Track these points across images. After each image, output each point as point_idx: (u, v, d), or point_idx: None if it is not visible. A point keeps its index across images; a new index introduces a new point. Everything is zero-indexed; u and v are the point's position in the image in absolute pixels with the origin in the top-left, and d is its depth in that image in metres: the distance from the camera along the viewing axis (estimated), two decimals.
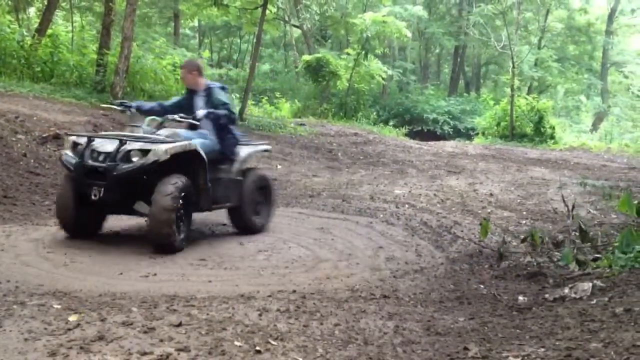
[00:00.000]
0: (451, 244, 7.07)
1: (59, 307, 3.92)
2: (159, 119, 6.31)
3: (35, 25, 18.67)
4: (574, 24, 35.00)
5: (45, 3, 19.14)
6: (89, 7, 27.59)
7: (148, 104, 6.87)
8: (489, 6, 28.93)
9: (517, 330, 3.98)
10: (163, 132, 6.19)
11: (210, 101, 6.59)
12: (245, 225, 6.88)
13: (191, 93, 6.80)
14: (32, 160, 8.99)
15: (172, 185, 5.71)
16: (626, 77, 37.09)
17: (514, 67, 24.44)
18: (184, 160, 5.99)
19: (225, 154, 6.66)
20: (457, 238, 7.31)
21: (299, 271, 5.60)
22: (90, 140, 5.92)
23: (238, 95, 23.22)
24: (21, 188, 8.07)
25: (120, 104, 6.68)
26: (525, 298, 4.80)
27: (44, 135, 9.85)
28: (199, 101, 6.66)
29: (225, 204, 6.72)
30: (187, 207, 5.91)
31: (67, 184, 5.96)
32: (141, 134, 6.13)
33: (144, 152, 5.75)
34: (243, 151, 6.89)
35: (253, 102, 23.84)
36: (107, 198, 5.72)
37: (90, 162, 5.76)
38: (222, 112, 6.51)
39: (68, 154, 5.95)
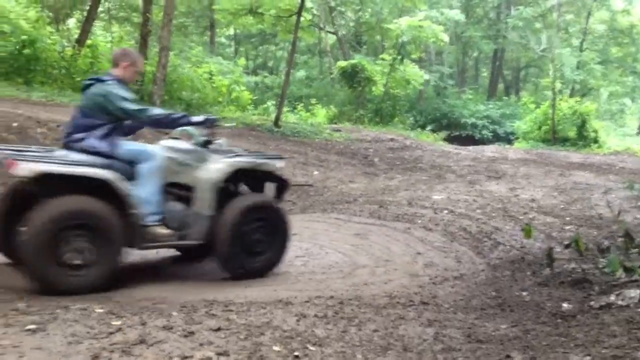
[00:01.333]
0: (492, 250, 6.94)
1: (101, 311, 3.95)
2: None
3: (75, 36, 19.07)
4: (616, 26, 34.29)
5: (85, 14, 19.55)
6: (127, 18, 28.07)
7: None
8: (527, 9, 28.57)
9: (562, 338, 3.87)
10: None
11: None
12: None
13: None
14: None
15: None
16: None
17: (554, 70, 24.04)
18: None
19: None
20: (498, 244, 7.18)
21: (336, 277, 5.56)
22: None
23: (273, 103, 23.35)
24: None
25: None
26: (570, 305, 4.67)
27: None
28: None
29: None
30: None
31: None
32: None
33: None
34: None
35: (289, 109, 23.91)
36: None
37: None
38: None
39: None
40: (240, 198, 5.48)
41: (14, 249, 4.85)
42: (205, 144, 5.43)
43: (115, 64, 5.34)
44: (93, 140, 4.98)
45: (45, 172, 4.57)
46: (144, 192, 4.99)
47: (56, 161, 4.73)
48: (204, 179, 5.27)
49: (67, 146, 5.03)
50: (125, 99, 5.09)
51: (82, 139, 4.98)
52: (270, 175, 5.77)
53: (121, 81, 5.27)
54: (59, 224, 4.50)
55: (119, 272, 4.85)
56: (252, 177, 5.69)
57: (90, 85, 5.21)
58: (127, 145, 5.15)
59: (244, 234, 5.30)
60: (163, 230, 5.08)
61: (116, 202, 4.80)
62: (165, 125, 5.44)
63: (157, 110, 5.42)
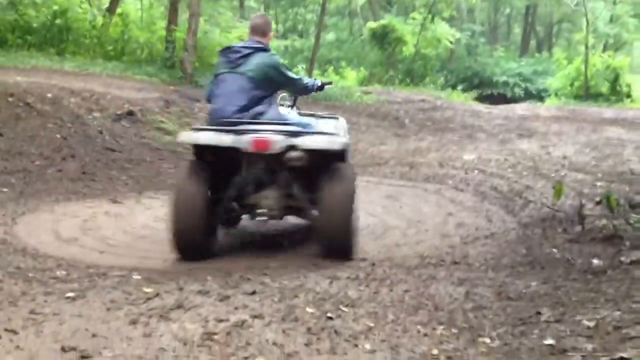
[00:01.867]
0: (523, 209, 6.94)
1: (139, 277, 4.09)
2: None
3: (106, 5, 19.16)
4: None
5: None
6: None
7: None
8: None
9: (592, 294, 3.90)
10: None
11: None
12: None
13: None
14: (107, 137, 9.31)
15: None
16: None
17: (588, 24, 23.45)
18: None
19: None
20: (529, 202, 7.16)
21: (368, 239, 5.63)
22: None
23: (304, 66, 23.25)
24: (98, 164, 8.38)
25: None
26: (600, 261, 4.68)
27: (118, 112, 10.17)
28: None
29: None
30: None
31: None
32: None
33: None
34: None
35: (319, 72, 23.80)
36: None
37: None
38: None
39: None
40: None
41: None
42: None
43: (263, 32, 5.20)
44: (275, 111, 5.06)
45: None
46: None
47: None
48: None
49: (237, 120, 4.85)
50: (290, 70, 5.25)
51: (263, 112, 4.93)
52: None
53: None
54: None
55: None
56: None
57: (249, 54, 5.02)
58: (291, 115, 5.36)
59: None
60: None
61: None
62: (309, 91, 5.60)
63: (305, 79, 5.50)
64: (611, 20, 29.72)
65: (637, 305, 3.48)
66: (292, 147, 4.59)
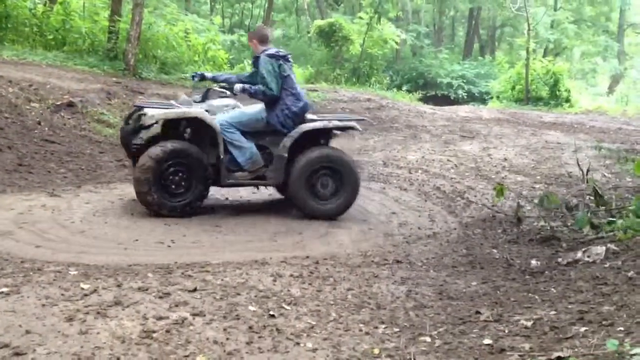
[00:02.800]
0: (464, 209, 7.07)
1: (75, 273, 3.98)
2: (217, 88, 6.41)
3: None
4: None
5: None
6: None
7: (225, 75, 6.72)
8: None
9: (530, 294, 3.99)
10: (214, 102, 6.31)
11: (258, 72, 6.32)
12: (299, 208, 6.29)
13: (256, 62, 6.52)
14: (46, 129, 9.03)
15: (158, 147, 5.80)
16: None
17: (529, 29, 24.05)
18: (195, 130, 6.06)
19: (272, 126, 6.24)
20: (470, 203, 7.31)
21: (312, 237, 5.64)
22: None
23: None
24: (36, 156, 8.11)
25: (195, 74, 6.68)
26: (538, 262, 4.81)
27: (58, 103, 9.88)
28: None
29: (261, 180, 6.33)
30: (189, 174, 5.90)
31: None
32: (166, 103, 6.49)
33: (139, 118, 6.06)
34: (302, 127, 6.24)
35: None
36: None
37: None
38: (257, 88, 6.18)
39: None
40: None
41: None
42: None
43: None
44: None
45: None
46: None
47: None
48: None
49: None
50: None
51: None
52: None
53: None
54: None
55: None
56: None
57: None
58: None
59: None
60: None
61: None
62: None
63: None
64: (552, 25, 30.58)
65: (573, 305, 3.58)
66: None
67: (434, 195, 7.66)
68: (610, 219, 5.58)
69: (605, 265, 4.32)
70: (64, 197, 6.39)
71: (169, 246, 5.03)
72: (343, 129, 6.62)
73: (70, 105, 9.94)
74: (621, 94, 25.72)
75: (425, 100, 24.85)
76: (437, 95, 27.48)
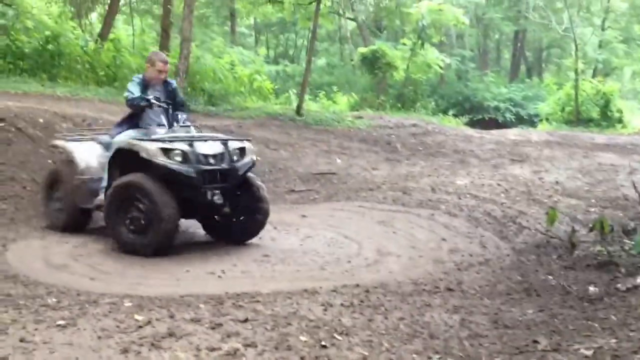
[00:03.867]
0: (517, 235, 6.93)
1: (130, 305, 4.03)
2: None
3: (98, 30, 19.22)
4: (638, 3, 33.63)
5: (107, 8, 19.68)
6: (148, 10, 28.21)
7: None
8: None
9: (588, 322, 3.87)
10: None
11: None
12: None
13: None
14: None
15: None
16: None
17: (577, 50, 23.69)
18: None
19: None
20: (523, 228, 7.16)
21: (362, 265, 5.60)
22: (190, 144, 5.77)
23: (295, 91, 23.34)
24: None
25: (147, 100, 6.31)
26: (596, 288, 4.66)
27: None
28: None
29: None
30: None
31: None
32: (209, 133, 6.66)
33: (242, 151, 6.07)
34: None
35: (310, 97, 23.89)
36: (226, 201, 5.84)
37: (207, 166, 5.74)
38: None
39: (172, 162, 5.59)
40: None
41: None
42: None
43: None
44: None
45: None
46: None
47: None
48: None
49: None
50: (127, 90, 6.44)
51: None
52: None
53: (145, 79, 6.48)
54: None
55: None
56: None
57: None
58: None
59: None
60: None
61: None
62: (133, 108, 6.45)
63: (132, 96, 6.34)
64: (600, 45, 30.03)
65: (634, 333, 3.46)
66: None
67: (484, 221, 7.53)
68: None
69: None
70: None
71: (220, 277, 5.06)
72: None
73: None
74: None
75: (472, 124, 24.61)
76: (485, 119, 27.17)
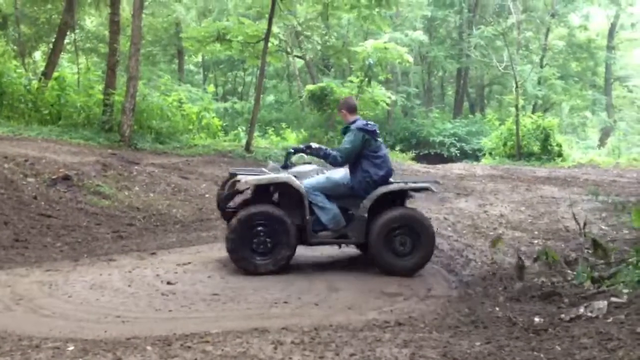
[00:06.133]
0: (464, 267, 7.03)
1: (73, 348, 3.92)
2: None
3: (42, 69, 18.96)
4: (575, 41, 35.18)
5: (51, 47, 19.45)
6: (94, 49, 28.03)
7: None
8: (489, 28, 29.15)
9: (534, 353, 3.94)
10: (300, 168, 6.96)
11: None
12: (377, 264, 6.66)
13: (345, 131, 7.00)
14: (42, 203, 9.05)
15: (244, 210, 6.43)
16: (630, 91, 37.17)
17: (517, 86, 24.50)
18: (283, 193, 6.68)
19: (355, 191, 6.67)
20: (469, 261, 7.28)
21: (312, 302, 5.58)
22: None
23: (244, 128, 23.37)
24: (32, 231, 8.10)
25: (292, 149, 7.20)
26: (541, 319, 4.76)
27: (54, 177, 9.93)
28: None
29: (344, 238, 6.73)
30: (271, 235, 6.35)
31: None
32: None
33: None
34: (380, 189, 6.67)
35: (259, 134, 23.98)
36: None
37: None
38: (329, 151, 6.81)
39: None
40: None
41: None
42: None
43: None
44: None
45: None
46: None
47: None
48: None
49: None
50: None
51: None
52: None
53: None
54: None
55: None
56: None
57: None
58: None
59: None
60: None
61: None
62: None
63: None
64: (539, 82, 31.16)
65: None
66: None
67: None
68: (611, 272, 5.56)
69: (609, 320, 4.28)
70: (61, 272, 6.34)
71: (168, 317, 4.97)
72: (418, 190, 6.97)
73: (66, 178, 9.99)
74: (612, 147, 25.99)
75: (419, 159, 25.10)
76: (430, 154, 27.77)
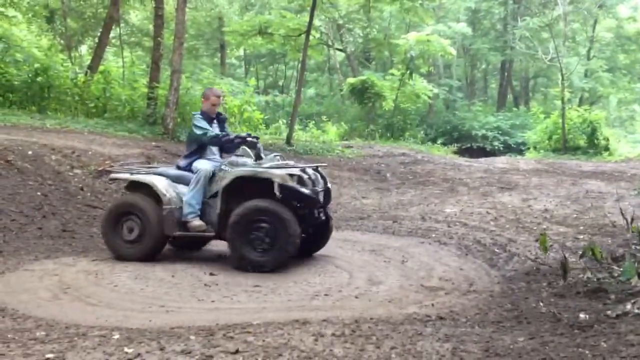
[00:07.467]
0: (507, 262, 6.94)
1: (119, 337, 4.00)
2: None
3: (88, 63, 19.33)
4: (623, 33, 34.22)
5: (96, 41, 19.81)
6: (138, 43, 28.47)
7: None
8: (534, 19, 28.57)
9: (579, 349, 3.87)
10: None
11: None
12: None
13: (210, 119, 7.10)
14: (88, 194, 9.25)
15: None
16: None
17: (563, 79, 24.00)
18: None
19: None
20: (512, 256, 7.17)
21: (352, 294, 5.58)
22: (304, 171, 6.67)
23: (285, 121, 23.46)
24: (79, 221, 8.30)
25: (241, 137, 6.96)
26: (587, 315, 4.66)
27: (100, 169, 10.13)
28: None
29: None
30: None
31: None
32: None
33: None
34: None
35: (300, 127, 24.03)
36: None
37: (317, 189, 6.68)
38: None
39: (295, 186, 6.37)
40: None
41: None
42: (257, 158, 6.60)
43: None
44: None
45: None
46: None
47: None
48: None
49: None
50: (197, 127, 6.79)
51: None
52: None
53: (204, 113, 6.95)
54: None
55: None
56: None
57: None
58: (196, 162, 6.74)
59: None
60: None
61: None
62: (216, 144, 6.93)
63: (212, 133, 6.81)
64: (586, 75, 30.45)
65: None
66: None
67: (474, 249, 7.55)
68: None
69: None
70: (107, 262, 6.48)
71: (210, 308, 5.03)
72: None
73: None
74: None
75: (461, 152, 24.81)
76: (473, 148, 27.38)
